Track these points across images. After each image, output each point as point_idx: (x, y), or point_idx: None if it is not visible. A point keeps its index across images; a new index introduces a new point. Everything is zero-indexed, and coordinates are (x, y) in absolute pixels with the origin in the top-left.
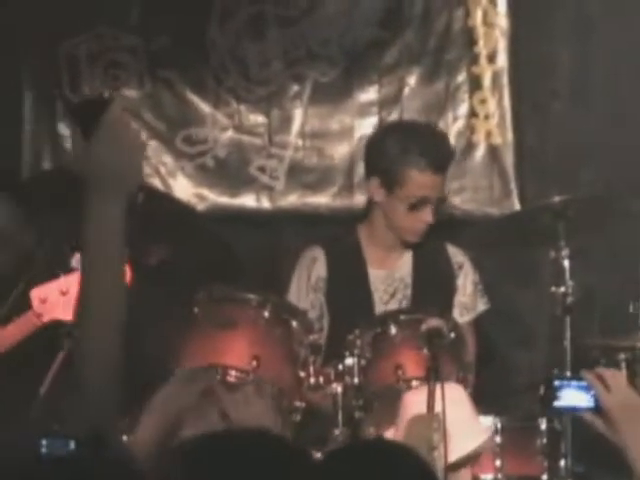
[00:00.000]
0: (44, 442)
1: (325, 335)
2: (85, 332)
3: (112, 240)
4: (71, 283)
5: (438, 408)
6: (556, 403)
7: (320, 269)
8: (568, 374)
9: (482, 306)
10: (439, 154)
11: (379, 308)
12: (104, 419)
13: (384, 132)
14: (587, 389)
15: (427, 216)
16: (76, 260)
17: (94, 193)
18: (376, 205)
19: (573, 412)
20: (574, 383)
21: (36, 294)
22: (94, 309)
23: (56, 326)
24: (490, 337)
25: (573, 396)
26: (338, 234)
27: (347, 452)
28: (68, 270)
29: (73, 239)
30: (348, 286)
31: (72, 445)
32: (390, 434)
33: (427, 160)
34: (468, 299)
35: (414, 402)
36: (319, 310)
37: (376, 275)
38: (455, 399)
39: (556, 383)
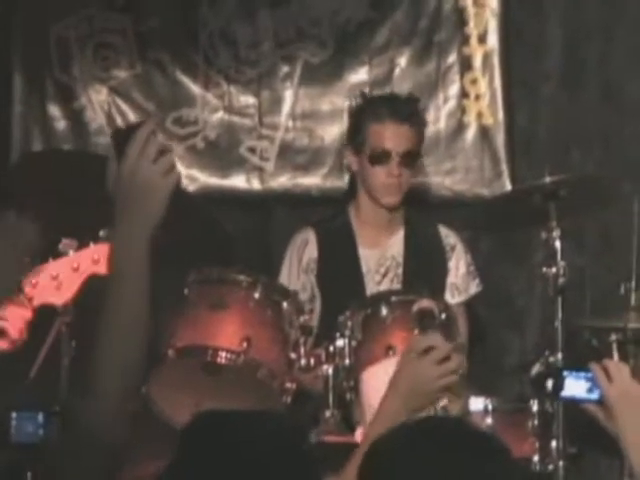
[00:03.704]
0: (14, 415)
1: (317, 316)
2: (106, 345)
3: (136, 263)
4: (60, 267)
5: None
6: (563, 393)
7: (311, 251)
8: (577, 366)
9: (474, 288)
10: (397, 103)
11: (371, 288)
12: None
13: (355, 103)
14: (594, 381)
15: (393, 169)
16: (63, 245)
17: (119, 212)
18: (357, 179)
19: (579, 403)
20: (582, 374)
21: (27, 278)
22: (116, 323)
23: (46, 310)
24: (481, 318)
25: (580, 387)
26: (329, 215)
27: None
28: (57, 254)
29: (65, 225)
30: (339, 267)
31: (41, 418)
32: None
33: (385, 110)
34: (460, 281)
35: (372, 376)
36: (310, 292)
37: (368, 255)
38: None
39: (564, 373)
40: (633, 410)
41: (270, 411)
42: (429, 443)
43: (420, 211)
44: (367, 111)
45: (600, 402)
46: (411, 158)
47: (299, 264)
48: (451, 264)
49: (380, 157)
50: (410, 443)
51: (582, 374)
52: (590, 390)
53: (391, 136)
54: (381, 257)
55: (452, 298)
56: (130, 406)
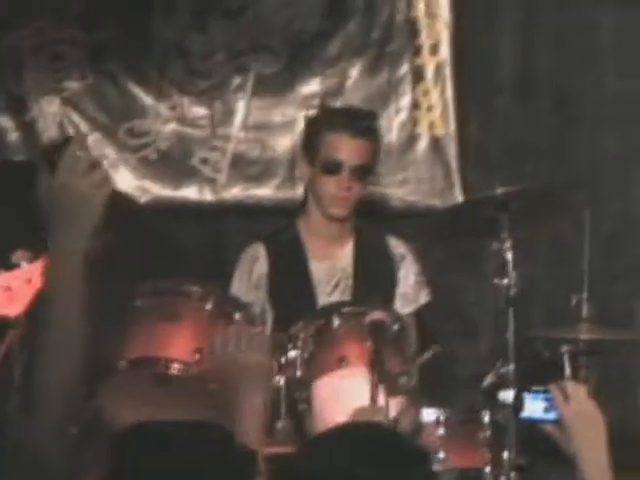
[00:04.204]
0: None
1: (269, 329)
2: (43, 360)
3: (71, 277)
4: (14, 279)
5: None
6: (523, 414)
7: (261, 266)
8: (536, 386)
9: (424, 298)
10: (354, 116)
11: (322, 300)
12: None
13: (312, 113)
14: (551, 400)
15: (343, 181)
16: (17, 256)
17: (51, 227)
18: (308, 191)
19: (537, 423)
20: (541, 395)
21: None
22: (51, 337)
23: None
24: (433, 329)
25: (537, 407)
26: (279, 228)
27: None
28: (10, 266)
29: (16, 235)
30: (290, 280)
31: None
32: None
33: (341, 121)
34: (410, 291)
35: (322, 388)
36: (261, 308)
37: (318, 267)
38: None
39: (524, 394)
40: (589, 430)
41: (203, 421)
42: (346, 450)
43: (372, 222)
44: (324, 121)
45: (557, 422)
46: (363, 172)
47: (249, 281)
48: (401, 274)
49: (332, 167)
50: (327, 451)
51: (540, 394)
52: (547, 410)
53: (345, 148)
54: (331, 269)
55: (402, 308)
56: (72, 427)
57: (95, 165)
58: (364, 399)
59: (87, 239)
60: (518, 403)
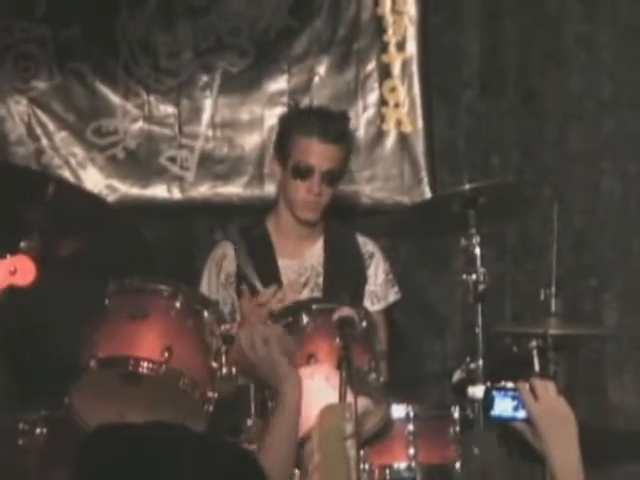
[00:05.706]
0: None
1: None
2: None
3: None
4: None
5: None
6: (492, 412)
7: (229, 265)
8: (505, 385)
9: (393, 296)
10: (327, 123)
11: (291, 298)
12: None
13: (286, 113)
14: (520, 399)
15: (314, 186)
16: None
17: None
18: (279, 191)
19: (509, 422)
20: (510, 394)
21: None
22: None
23: None
24: (402, 325)
25: (509, 406)
26: (247, 226)
27: None
28: None
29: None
30: (259, 279)
31: None
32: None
33: (313, 126)
34: (379, 289)
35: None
36: (231, 306)
37: (287, 265)
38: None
39: (494, 393)
40: (559, 428)
41: (170, 422)
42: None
43: (340, 219)
44: (297, 123)
45: (527, 420)
46: (334, 177)
47: (217, 279)
48: (370, 272)
49: (303, 172)
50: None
51: (512, 394)
52: (516, 408)
53: (317, 153)
54: (300, 267)
55: (371, 306)
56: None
57: None
58: (325, 398)
59: None
60: (487, 402)
